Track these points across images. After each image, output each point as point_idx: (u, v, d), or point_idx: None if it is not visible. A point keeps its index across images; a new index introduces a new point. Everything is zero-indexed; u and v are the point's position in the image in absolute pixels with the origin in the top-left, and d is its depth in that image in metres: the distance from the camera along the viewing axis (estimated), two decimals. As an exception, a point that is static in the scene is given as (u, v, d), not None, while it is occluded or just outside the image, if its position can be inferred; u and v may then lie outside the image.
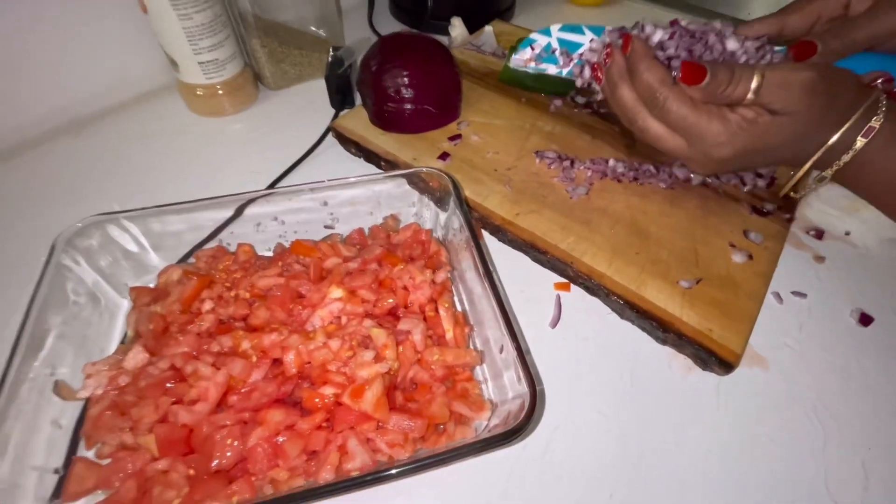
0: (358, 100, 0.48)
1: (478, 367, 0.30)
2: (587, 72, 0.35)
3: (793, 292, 0.36)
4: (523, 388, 0.24)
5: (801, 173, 0.32)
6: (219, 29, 0.44)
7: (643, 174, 0.40)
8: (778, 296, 0.36)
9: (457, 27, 0.56)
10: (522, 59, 0.39)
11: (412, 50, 0.43)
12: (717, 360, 0.30)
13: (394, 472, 0.21)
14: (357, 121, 0.45)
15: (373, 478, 0.21)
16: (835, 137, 0.29)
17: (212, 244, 0.34)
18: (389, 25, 0.63)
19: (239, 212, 0.33)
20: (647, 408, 0.30)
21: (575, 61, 0.37)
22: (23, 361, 0.24)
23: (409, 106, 0.43)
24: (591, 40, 0.36)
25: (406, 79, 0.42)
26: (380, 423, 0.24)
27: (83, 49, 0.46)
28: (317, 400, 0.25)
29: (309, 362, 0.27)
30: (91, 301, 0.29)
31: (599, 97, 0.35)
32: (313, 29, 0.52)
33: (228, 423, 0.25)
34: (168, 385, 0.26)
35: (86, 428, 0.25)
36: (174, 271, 0.32)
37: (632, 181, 0.40)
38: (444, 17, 0.58)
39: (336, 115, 0.47)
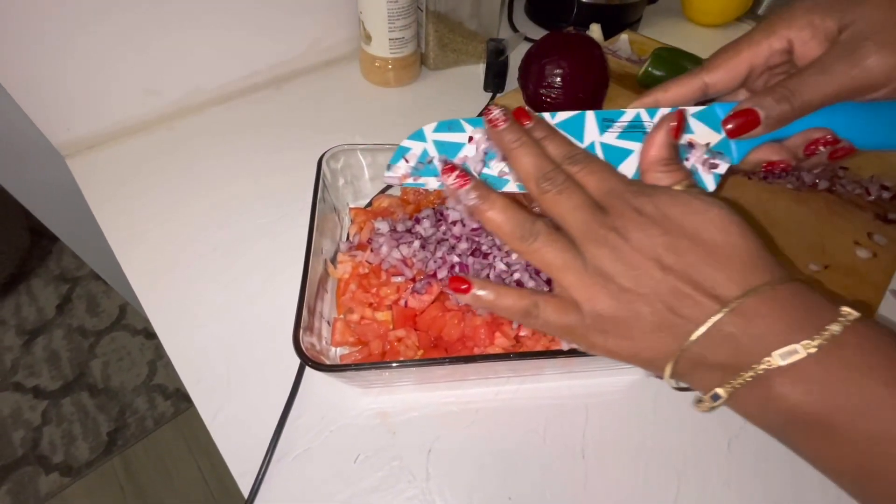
0: (507, 86, 0.56)
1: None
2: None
3: (908, 292, 0.40)
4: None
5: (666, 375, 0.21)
6: (411, 13, 0.52)
7: (772, 174, 0.45)
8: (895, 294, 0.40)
9: (595, 32, 0.63)
10: (396, 176, 0.27)
11: (573, 46, 0.50)
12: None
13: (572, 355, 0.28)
14: (513, 102, 0.52)
15: (569, 354, 0.27)
16: (705, 326, 0.20)
17: (414, 182, 0.41)
18: (527, 26, 0.70)
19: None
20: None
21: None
22: (316, 240, 0.32)
23: (564, 92, 0.50)
24: (470, 138, 0.26)
25: (566, 68, 0.49)
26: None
27: (291, 17, 0.55)
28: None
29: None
30: (335, 210, 0.38)
31: None
32: (473, 23, 0.60)
33: (453, 309, 0.32)
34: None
35: (343, 298, 0.33)
36: (385, 199, 0.40)
37: (761, 179, 0.45)
38: (582, 24, 0.65)
39: (492, 98, 0.55)
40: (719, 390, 0.20)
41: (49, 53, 0.42)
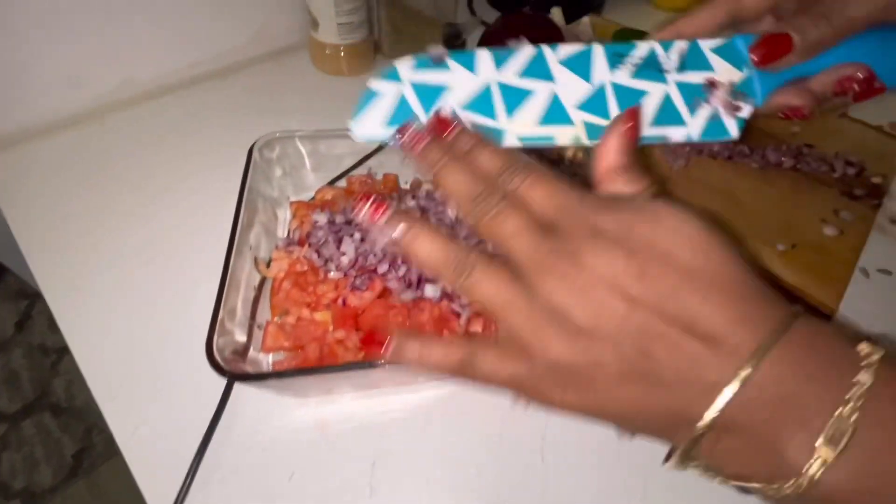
0: (466, 72, 0.53)
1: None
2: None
3: (878, 269, 0.39)
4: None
5: (675, 459, 0.17)
6: (358, -4, 0.49)
7: (737, 154, 0.44)
8: (865, 271, 0.38)
9: (556, 16, 0.61)
10: (366, 133, 0.22)
11: (531, 27, 0.48)
12: (813, 313, 0.33)
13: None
14: (471, 87, 0.50)
15: None
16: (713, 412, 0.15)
17: (361, 172, 0.38)
18: (487, 11, 0.68)
19: (380, 147, 0.37)
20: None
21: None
22: (241, 236, 0.29)
23: (522, 76, 0.47)
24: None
25: (524, 51, 0.47)
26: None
27: (233, 5, 0.52)
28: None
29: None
30: (270, 202, 0.34)
31: None
32: (429, 8, 0.57)
33: (397, 306, 0.29)
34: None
35: (277, 298, 0.30)
36: (328, 191, 0.37)
37: (726, 159, 0.44)
38: (543, 8, 0.63)
39: (449, 82, 0.52)
40: (755, 485, 0.16)
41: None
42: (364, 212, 0.20)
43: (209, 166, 0.42)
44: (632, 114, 0.21)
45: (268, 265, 0.32)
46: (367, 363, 0.25)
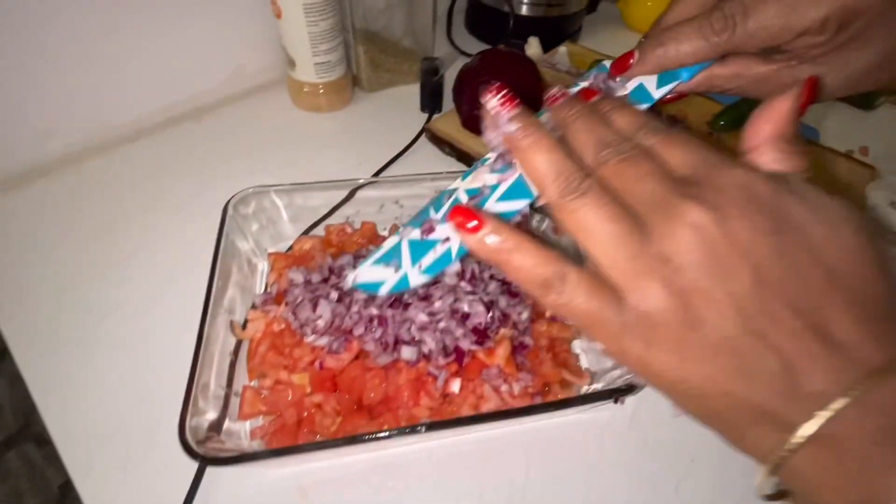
0: (445, 106, 0.54)
1: (575, 342, 0.34)
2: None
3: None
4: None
5: (766, 469, 0.15)
6: (335, 35, 0.50)
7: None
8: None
9: (533, 46, 0.61)
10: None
11: (507, 63, 0.48)
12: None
13: (534, 412, 0.25)
14: (450, 124, 0.50)
15: (516, 416, 0.25)
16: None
17: (339, 221, 0.38)
18: (467, 40, 0.68)
19: (353, 193, 0.37)
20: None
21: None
22: (215, 299, 0.28)
23: (499, 113, 0.48)
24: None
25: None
26: (507, 377, 0.29)
27: (209, 45, 0.52)
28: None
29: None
30: (247, 259, 0.34)
31: None
32: (406, 41, 0.58)
33: (375, 368, 0.29)
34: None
35: (253, 362, 0.30)
36: (307, 241, 0.37)
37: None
38: (520, 37, 0.63)
39: (429, 119, 0.53)
40: None
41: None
42: (494, 102, 0.19)
43: (184, 219, 0.41)
44: (812, 82, 0.20)
45: (244, 326, 0.31)
46: (343, 439, 0.25)
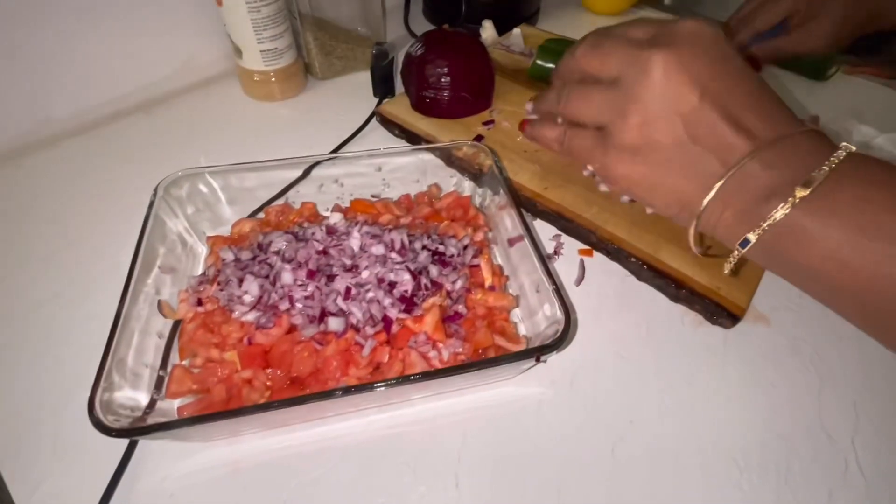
0: (398, 90, 0.53)
1: (514, 311, 0.34)
2: None
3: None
4: (557, 316, 0.28)
5: (691, 234, 0.27)
6: (280, 21, 0.49)
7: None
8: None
9: (487, 29, 0.61)
10: None
11: (452, 44, 0.48)
12: (725, 313, 0.34)
13: (447, 374, 0.25)
14: (400, 107, 0.50)
15: (432, 377, 0.25)
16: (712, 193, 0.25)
17: (279, 202, 0.38)
18: (424, 27, 0.68)
19: (306, 173, 0.37)
20: (663, 354, 0.34)
21: None
22: (138, 280, 0.28)
23: (447, 93, 0.48)
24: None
25: (446, 69, 0.47)
26: (435, 343, 0.28)
27: (157, 37, 0.51)
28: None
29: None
30: (180, 241, 0.34)
31: None
32: (359, 28, 0.57)
33: (303, 341, 0.29)
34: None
35: (182, 341, 0.30)
36: (246, 223, 0.37)
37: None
38: (475, 21, 0.63)
39: (379, 103, 0.52)
40: (750, 235, 0.23)
41: None
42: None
43: (122, 208, 0.41)
44: None
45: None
46: (265, 405, 0.25)
